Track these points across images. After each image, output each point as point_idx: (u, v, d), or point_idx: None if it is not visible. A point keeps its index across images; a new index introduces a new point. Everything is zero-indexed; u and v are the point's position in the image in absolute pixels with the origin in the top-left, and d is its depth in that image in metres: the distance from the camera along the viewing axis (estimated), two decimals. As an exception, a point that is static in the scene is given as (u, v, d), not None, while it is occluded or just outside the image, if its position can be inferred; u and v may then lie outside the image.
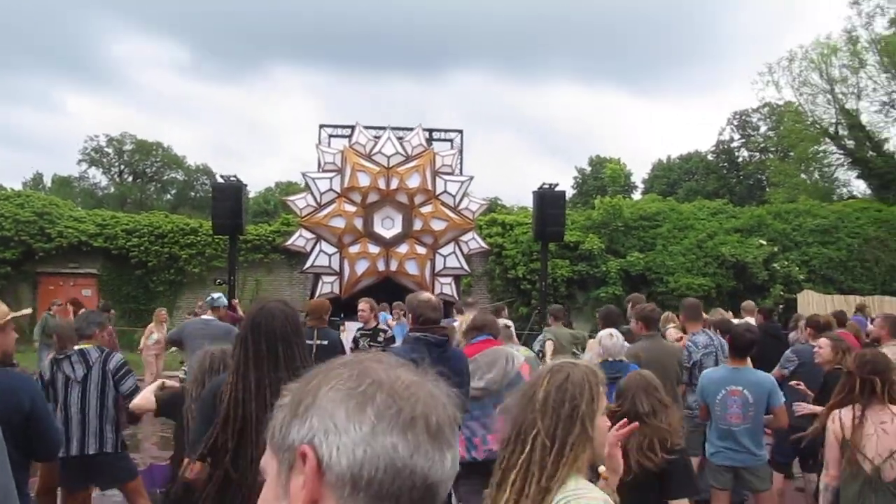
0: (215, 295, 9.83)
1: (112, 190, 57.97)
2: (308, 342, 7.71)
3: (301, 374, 2.98)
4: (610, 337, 5.94)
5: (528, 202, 22.94)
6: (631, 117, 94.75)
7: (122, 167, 58.94)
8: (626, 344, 6.23)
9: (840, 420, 4.35)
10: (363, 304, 9.08)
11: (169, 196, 58.69)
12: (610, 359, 5.76)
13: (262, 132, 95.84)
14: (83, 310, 14.93)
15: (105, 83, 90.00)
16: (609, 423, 2.34)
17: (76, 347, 5.80)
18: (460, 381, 5.00)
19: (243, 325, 3.36)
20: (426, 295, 5.24)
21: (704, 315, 8.27)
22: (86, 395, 5.58)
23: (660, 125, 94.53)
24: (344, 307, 15.21)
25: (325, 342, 7.95)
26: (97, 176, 58.91)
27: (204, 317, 9.25)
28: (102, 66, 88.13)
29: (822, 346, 6.39)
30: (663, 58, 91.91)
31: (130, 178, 59.09)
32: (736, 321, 9.77)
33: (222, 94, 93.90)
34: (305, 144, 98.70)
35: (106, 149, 57.78)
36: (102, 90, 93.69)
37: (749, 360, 5.83)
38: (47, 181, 58.48)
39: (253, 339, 3.19)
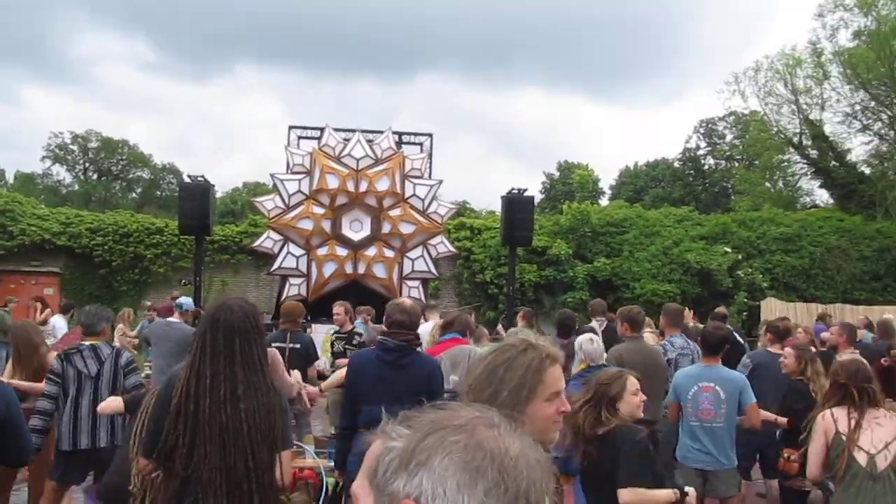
0: (183, 299, 9.75)
1: (76, 187, 57.23)
2: (281, 345, 7.80)
3: (258, 371, 2.97)
4: (590, 342, 5.96)
5: (497, 206, 23.06)
6: (598, 123, 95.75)
7: (87, 164, 58.24)
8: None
9: (832, 416, 4.42)
10: (338, 308, 9.07)
11: (134, 195, 58.08)
12: (592, 364, 5.79)
13: (227, 131, 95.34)
14: (48, 309, 14.77)
15: (68, 79, 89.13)
16: (551, 407, 2.12)
17: (87, 343, 5.80)
18: (425, 387, 5.00)
19: (202, 320, 3.35)
20: (402, 299, 5.25)
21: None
22: (98, 391, 5.62)
23: (627, 132, 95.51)
24: (310, 310, 15.15)
25: (298, 345, 7.97)
26: (61, 173, 58.22)
27: (169, 319, 9.18)
28: (66, 62, 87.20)
29: (787, 356, 6.47)
30: (630, 65, 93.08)
31: (95, 176, 58.39)
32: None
33: (188, 92, 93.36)
34: (272, 145, 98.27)
35: (71, 146, 57.09)
36: (66, 86, 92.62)
37: (720, 358, 5.90)
38: (9, 177, 57.62)
39: (211, 333, 3.18)
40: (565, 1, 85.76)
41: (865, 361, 4.98)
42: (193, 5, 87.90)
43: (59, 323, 12.82)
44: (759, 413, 5.78)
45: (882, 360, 7.95)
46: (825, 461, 4.46)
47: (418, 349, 5.27)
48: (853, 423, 4.36)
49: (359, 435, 4.76)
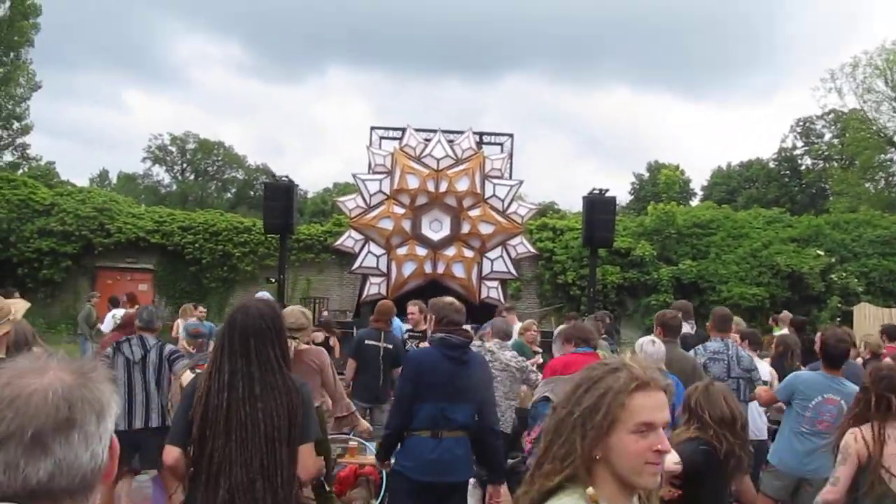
0: (261, 294, 9.96)
1: (174, 188, 59.23)
2: (375, 343, 7.98)
3: (275, 371, 3.03)
4: (652, 344, 5.80)
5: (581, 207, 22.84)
6: (689, 123, 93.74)
7: (185, 165, 60.20)
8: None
9: (863, 439, 4.23)
10: (412, 307, 9.13)
11: (229, 195, 59.73)
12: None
13: (318, 133, 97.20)
14: (137, 305, 15.31)
15: (167, 83, 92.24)
16: (640, 443, 1.80)
17: (135, 335, 6.38)
18: (487, 381, 5.04)
19: (224, 321, 3.51)
20: (449, 298, 5.23)
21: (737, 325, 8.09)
22: (146, 375, 6.15)
23: (719, 131, 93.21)
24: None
25: (391, 346, 8.12)
26: (160, 173, 60.33)
27: None
28: (165, 67, 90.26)
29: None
30: (721, 62, 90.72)
31: (192, 177, 60.32)
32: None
33: (280, 94, 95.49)
34: (360, 145, 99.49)
35: (170, 147, 59.10)
36: (164, 89, 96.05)
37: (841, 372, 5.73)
38: (113, 178, 60.08)
39: (228, 334, 3.30)
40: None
41: None
42: (285, 9, 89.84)
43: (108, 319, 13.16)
44: None
45: None
46: (850, 483, 4.28)
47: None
48: (875, 438, 4.17)
49: (415, 437, 4.74)
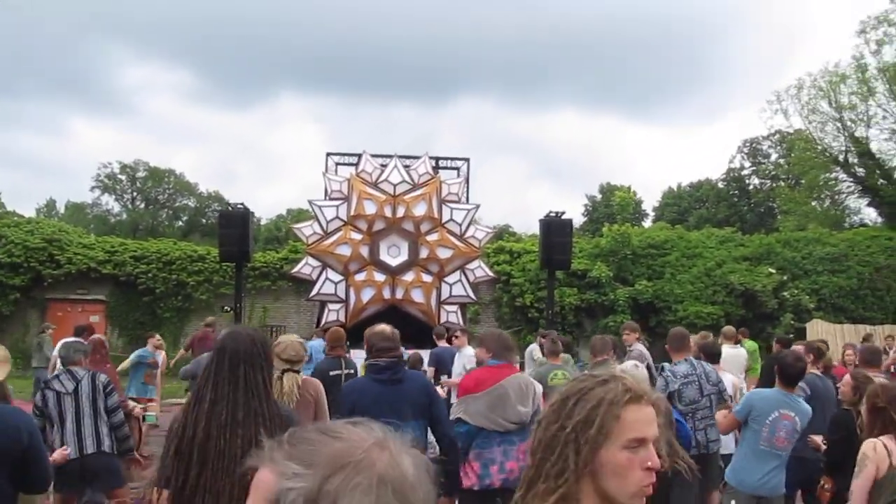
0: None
1: (124, 216, 58.36)
2: (338, 372, 7.90)
3: (261, 397, 2.96)
4: (635, 367, 5.79)
5: (537, 230, 22.95)
6: (638, 144, 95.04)
7: (135, 194, 59.40)
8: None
9: (885, 448, 4.21)
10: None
11: (180, 223, 59.03)
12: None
13: (270, 159, 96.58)
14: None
15: (115, 110, 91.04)
16: (632, 459, 1.71)
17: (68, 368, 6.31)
18: (425, 398, 5.03)
19: (214, 347, 3.41)
20: (380, 326, 5.26)
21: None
22: (79, 404, 6.04)
23: (667, 153, 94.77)
24: (350, 336, 15.14)
25: (352, 370, 8.07)
26: (110, 203, 59.45)
27: None
28: (112, 93, 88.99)
29: (844, 385, 6.31)
30: (665, 85, 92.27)
31: (143, 205, 59.51)
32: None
33: (231, 120, 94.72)
34: (313, 171, 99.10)
35: (119, 175, 58.29)
36: (112, 117, 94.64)
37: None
38: (60, 207, 59.04)
39: (217, 360, 3.23)
40: (599, 22, 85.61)
41: None
42: (235, 35, 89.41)
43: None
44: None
45: None
46: (871, 495, 4.28)
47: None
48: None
49: None
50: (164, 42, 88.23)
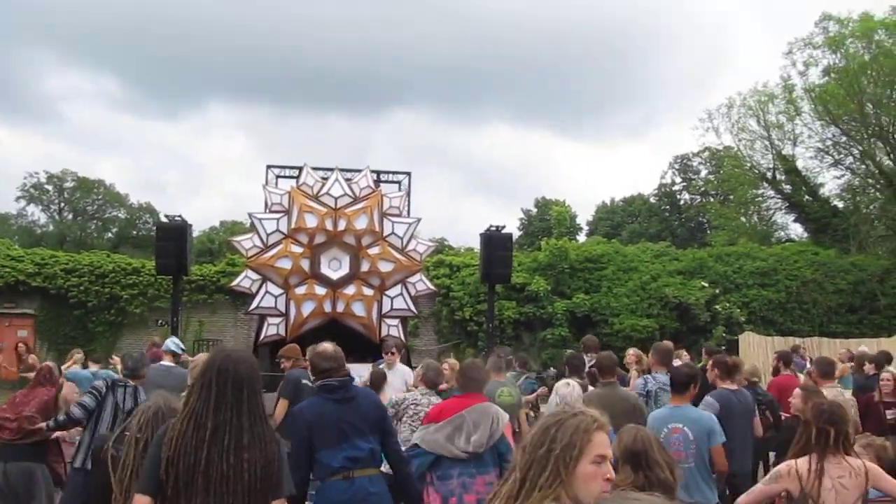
0: (175, 340, 9.71)
1: (51, 228, 56.77)
2: (308, 382, 7.85)
3: (263, 421, 2.96)
4: (566, 386, 5.88)
5: (474, 243, 23.11)
6: (569, 160, 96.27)
7: (63, 205, 57.86)
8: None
9: (797, 471, 4.27)
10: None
11: (110, 234, 57.67)
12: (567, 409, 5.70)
13: (197, 169, 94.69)
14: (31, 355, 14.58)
15: (39, 118, 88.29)
16: (597, 471, 2.30)
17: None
18: (377, 414, 4.98)
19: (207, 369, 3.31)
20: (322, 346, 5.14)
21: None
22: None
23: (598, 168, 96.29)
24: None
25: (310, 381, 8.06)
26: (36, 213, 57.76)
27: (163, 363, 9.11)
28: (33, 101, 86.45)
29: (795, 397, 6.46)
30: (593, 101, 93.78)
31: (71, 216, 57.99)
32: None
33: (159, 130, 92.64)
34: (243, 182, 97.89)
35: (46, 186, 56.73)
36: (36, 125, 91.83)
37: (688, 398, 5.88)
38: (-18, 218, 57.12)
39: (217, 383, 3.17)
40: (531, 37, 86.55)
41: (844, 403, 4.93)
42: (159, 42, 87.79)
43: None
44: (723, 456, 5.66)
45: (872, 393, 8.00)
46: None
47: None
48: (814, 472, 4.22)
49: (329, 482, 4.69)
50: (89, 50, 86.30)
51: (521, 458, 2.33)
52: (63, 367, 12.79)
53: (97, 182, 57.96)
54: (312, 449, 4.67)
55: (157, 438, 3.29)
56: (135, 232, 57.27)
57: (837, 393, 6.86)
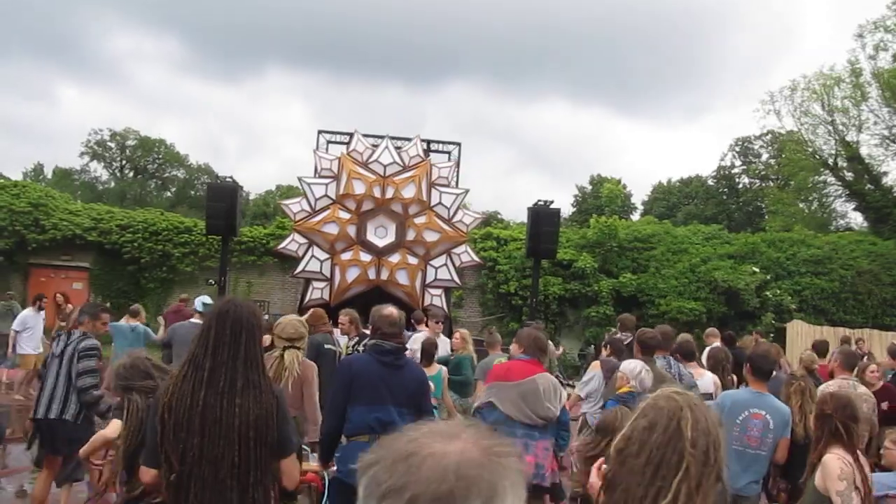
0: (206, 299, 9.82)
1: (112, 185, 57.99)
2: (332, 347, 8.12)
3: (259, 369, 2.96)
4: (647, 373, 5.75)
5: (524, 218, 22.99)
6: (627, 138, 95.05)
7: (124, 162, 59.01)
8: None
9: (851, 467, 4.18)
10: (343, 317, 9.18)
11: (169, 194, 58.72)
12: (640, 392, 5.65)
13: (256, 133, 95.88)
14: (70, 305, 14.97)
15: (103, 77, 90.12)
16: None
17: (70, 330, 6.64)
18: (418, 389, 5.05)
19: (209, 315, 3.38)
20: (388, 309, 5.25)
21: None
22: (60, 368, 6.30)
23: (656, 147, 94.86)
24: (333, 315, 15.18)
25: (338, 349, 8.33)
26: (98, 170, 59.05)
27: (193, 320, 9.27)
28: (100, 61, 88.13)
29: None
30: (655, 80, 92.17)
31: (132, 174, 59.15)
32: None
33: (218, 92, 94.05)
34: (299, 147, 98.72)
35: (109, 143, 57.88)
36: (100, 84, 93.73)
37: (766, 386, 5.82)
38: (48, 172, 58.57)
39: (217, 326, 3.20)
40: (591, 12, 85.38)
41: (857, 397, 4.80)
42: (223, 6, 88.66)
43: (24, 314, 13.22)
44: (786, 449, 5.67)
45: None
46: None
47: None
48: (856, 466, 4.17)
49: (353, 443, 4.78)
50: (152, 10, 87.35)
51: (691, 464, 1.86)
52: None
53: (158, 141, 58.94)
54: (347, 401, 4.81)
55: (152, 404, 3.33)
56: (192, 192, 58.21)
57: (849, 386, 6.71)
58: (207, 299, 9.65)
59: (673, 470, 1.82)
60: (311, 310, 9.42)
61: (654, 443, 1.86)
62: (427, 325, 11.67)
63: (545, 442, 5.48)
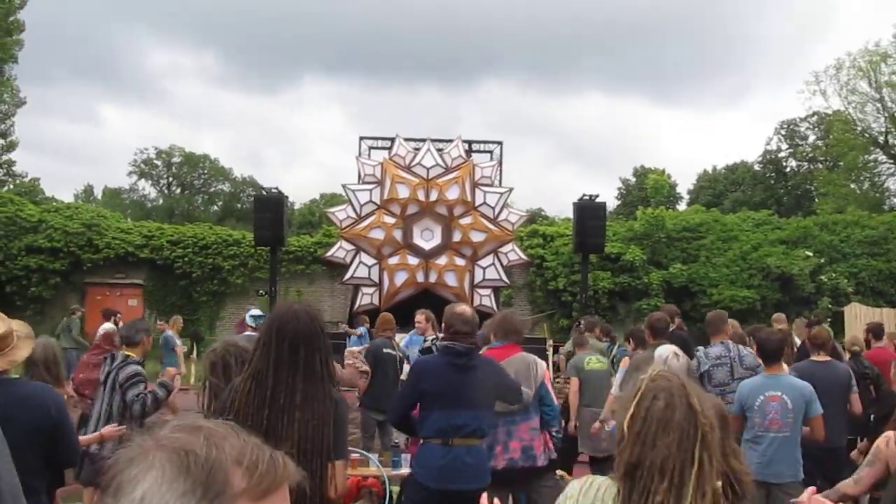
0: (256, 312, 9.93)
1: (161, 202, 58.98)
2: (392, 352, 8.28)
3: (318, 380, 2.92)
4: (675, 357, 5.72)
5: (569, 213, 22.85)
6: (667, 127, 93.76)
7: (171, 179, 59.98)
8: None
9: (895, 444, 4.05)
10: (420, 316, 9.12)
11: (215, 207, 59.51)
12: None
13: (295, 143, 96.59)
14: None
15: (142, 95, 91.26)
16: None
17: (112, 352, 6.31)
18: (495, 384, 4.99)
19: (266, 327, 3.35)
20: (461, 307, 5.18)
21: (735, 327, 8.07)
22: (103, 398, 5.96)
23: (698, 135, 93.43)
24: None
25: (400, 354, 8.44)
26: (146, 188, 60.09)
27: (247, 333, 9.36)
28: (138, 79, 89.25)
29: (894, 367, 6.20)
30: (690, 66, 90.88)
31: (178, 190, 60.10)
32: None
33: (256, 104, 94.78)
34: (339, 155, 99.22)
35: (155, 161, 58.88)
36: (140, 102, 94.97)
37: (784, 366, 5.69)
38: (98, 193, 59.80)
39: (276, 342, 3.18)
40: (621, 2, 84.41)
41: None
42: (254, 20, 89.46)
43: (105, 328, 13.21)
44: (822, 427, 5.54)
45: None
46: (874, 485, 4.21)
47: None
48: None
49: (427, 445, 4.77)
50: (186, 27, 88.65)
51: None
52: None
53: (203, 157, 59.79)
54: (419, 400, 4.81)
55: (221, 401, 3.36)
56: (239, 205, 58.91)
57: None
58: (257, 311, 9.78)
59: (692, 440, 1.98)
60: (382, 314, 9.50)
61: (677, 420, 1.99)
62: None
63: (528, 423, 5.40)
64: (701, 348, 7.01)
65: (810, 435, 5.54)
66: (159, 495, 0.93)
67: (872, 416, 6.99)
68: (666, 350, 5.77)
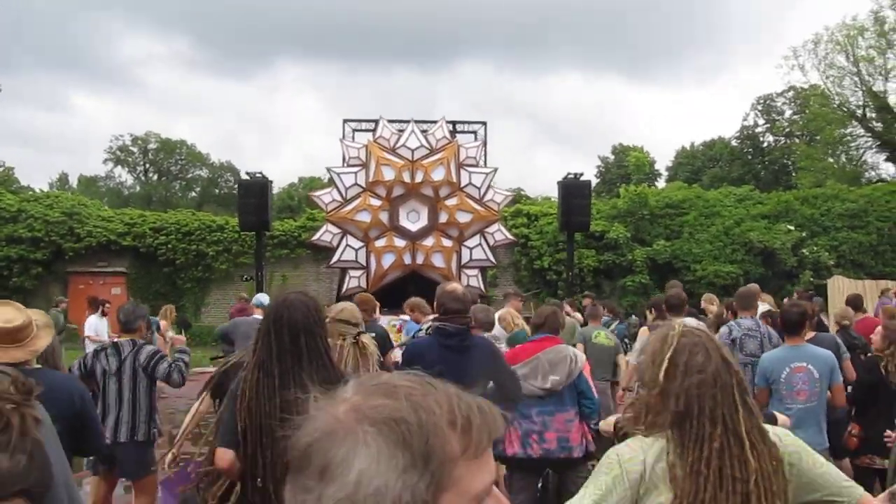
0: (262, 296, 9.97)
1: (138, 189, 58.47)
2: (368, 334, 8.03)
3: (326, 365, 2.91)
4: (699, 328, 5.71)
5: (551, 192, 22.91)
6: (644, 105, 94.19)
7: (148, 166, 59.43)
8: None
9: None
10: (406, 309, 9.09)
11: (194, 193, 59.08)
12: None
13: (271, 127, 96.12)
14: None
15: (114, 82, 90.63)
16: None
17: (114, 340, 6.13)
18: (491, 365, 4.89)
19: (266, 317, 3.36)
20: (452, 285, 5.14)
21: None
22: (121, 386, 5.76)
23: (674, 112, 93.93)
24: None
25: (374, 334, 8.15)
26: (123, 175, 59.54)
27: (255, 316, 9.38)
28: (110, 66, 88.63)
29: (876, 334, 6.29)
30: (664, 44, 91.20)
31: (155, 177, 59.59)
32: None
33: (230, 88, 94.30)
34: (317, 138, 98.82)
35: (131, 148, 58.30)
36: (112, 89, 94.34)
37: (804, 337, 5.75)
38: (73, 181, 59.18)
39: (275, 332, 3.18)
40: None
41: None
42: (228, 5, 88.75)
43: (92, 321, 13.12)
44: (843, 393, 5.64)
45: None
46: None
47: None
48: None
49: None
50: (158, 13, 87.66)
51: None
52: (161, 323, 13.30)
53: (179, 142, 59.29)
54: None
55: (230, 392, 3.33)
56: (217, 190, 58.53)
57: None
58: (265, 298, 9.78)
59: (730, 387, 2.13)
60: (359, 294, 9.37)
61: (716, 370, 2.14)
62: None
63: (564, 415, 5.35)
64: (733, 323, 7.09)
65: (832, 401, 5.64)
66: (378, 475, 0.86)
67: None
68: (690, 321, 5.80)
